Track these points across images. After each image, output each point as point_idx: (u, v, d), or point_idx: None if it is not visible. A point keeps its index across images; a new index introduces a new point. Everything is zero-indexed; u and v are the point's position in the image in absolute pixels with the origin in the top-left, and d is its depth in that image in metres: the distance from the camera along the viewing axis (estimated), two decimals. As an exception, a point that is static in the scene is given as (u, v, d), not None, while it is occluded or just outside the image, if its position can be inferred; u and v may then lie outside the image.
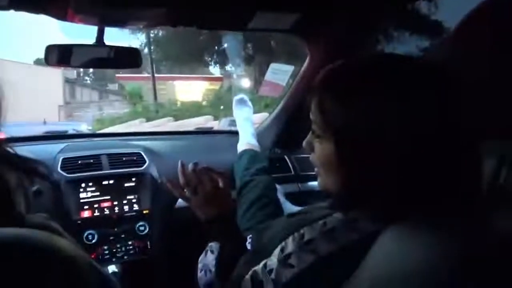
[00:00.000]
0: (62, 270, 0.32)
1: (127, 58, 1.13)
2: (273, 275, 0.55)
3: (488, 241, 0.43)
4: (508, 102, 0.56)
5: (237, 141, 1.43)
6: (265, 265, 0.57)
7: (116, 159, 1.31)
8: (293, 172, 1.58)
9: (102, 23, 1.02)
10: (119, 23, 1.01)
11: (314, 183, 1.56)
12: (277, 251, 0.57)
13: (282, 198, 1.24)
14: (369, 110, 0.51)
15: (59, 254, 0.33)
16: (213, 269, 0.75)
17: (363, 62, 0.57)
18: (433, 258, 0.44)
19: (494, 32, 0.54)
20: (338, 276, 0.51)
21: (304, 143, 0.64)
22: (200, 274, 0.78)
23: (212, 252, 0.77)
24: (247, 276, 0.59)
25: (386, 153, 0.50)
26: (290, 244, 0.56)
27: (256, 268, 0.59)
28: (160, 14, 0.93)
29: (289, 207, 1.24)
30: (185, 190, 0.85)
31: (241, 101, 1.51)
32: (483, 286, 0.40)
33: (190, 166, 0.86)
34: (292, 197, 1.45)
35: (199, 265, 0.78)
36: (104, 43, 1.09)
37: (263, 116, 1.79)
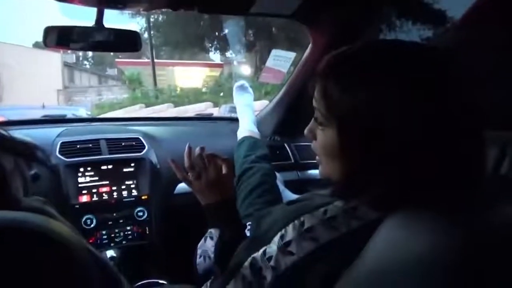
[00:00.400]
0: (58, 254, 0.32)
1: (127, 42, 1.11)
2: (272, 262, 0.55)
3: (491, 229, 0.42)
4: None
5: (237, 128, 1.42)
6: (264, 252, 0.57)
7: (115, 144, 1.30)
8: (292, 160, 1.58)
9: (101, 4, 1.00)
10: (118, 5, 0.99)
11: (313, 172, 1.55)
12: (276, 238, 0.57)
13: (281, 186, 1.24)
14: (373, 97, 0.50)
15: (55, 238, 0.32)
16: (212, 255, 0.75)
17: (367, 48, 0.56)
18: (435, 246, 0.44)
19: (499, 21, 0.52)
20: (338, 263, 0.51)
21: (306, 131, 0.63)
22: (199, 260, 0.78)
23: (211, 238, 0.77)
24: (246, 263, 0.59)
25: (389, 140, 0.50)
26: (290, 232, 0.56)
27: (255, 255, 0.58)
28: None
29: (288, 195, 1.24)
30: (188, 174, 0.84)
31: (242, 88, 1.49)
32: (486, 274, 0.40)
33: (197, 150, 0.85)
34: (291, 185, 1.45)
35: (198, 251, 0.78)
36: (103, 25, 1.07)
37: (263, 103, 1.77)
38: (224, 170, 0.85)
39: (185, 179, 0.84)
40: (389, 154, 0.50)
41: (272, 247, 0.56)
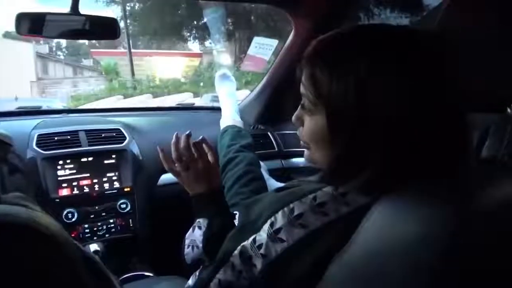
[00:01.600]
0: (47, 248, 0.30)
1: (104, 28, 1.07)
2: (262, 250, 0.55)
3: (476, 215, 0.43)
4: (495, 75, 0.56)
5: (219, 117, 1.41)
6: (254, 240, 0.57)
7: (94, 136, 1.27)
8: (276, 149, 1.58)
9: (77, -10, 0.96)
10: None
11: (297, 160, 1.56)
12: (266, 226, 0.56)
13: (266, 175, 1.23)
14: (360, 81, 0.50)
15: (44, 231, 0.31)
16: (200, 245, 0.74)
17: (354, 32, 0.56)
18: (423, 231, 0.44)
19: (483, 7, 0.53)
20: (328, 249, 0.51)
21: (293, 118, 0.63)
22: (187, 250, 0.77)
23: (199, 228, 0.77)
24: (236, 252, 0.59)
25: (377, 125, 0.50)
26: (279, 219, 0.55)
27: (245, 243, 0.58)
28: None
29: (273, 184, 1.24)
30: (176, 164, 0.83)
31: (224, 76, 1.47)
32: (472, 259, 0.41)
33: (183, 137, 0.84)
34: (275, 174, 1.45)
35: (186, 241, 0.78)
36: (79, 12, 1.03)
37: (244, 93, 1.75)
38: (210, 158, 0.84)
39: (172, 170, 0.83)
40: (377, 139, 0.50)
41: (262, 235, 0.56)
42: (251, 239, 0.57)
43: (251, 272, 0.56)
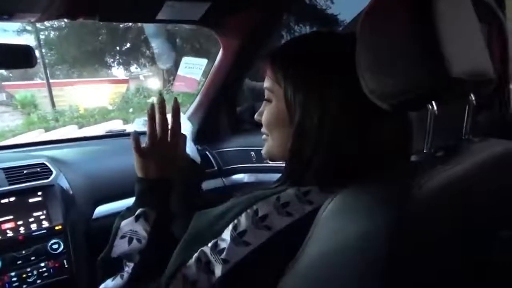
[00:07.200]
0: None
1: (18, 57, 1.00)
2: (224, 255, 0.53)
3: (414, 202, 0.46)
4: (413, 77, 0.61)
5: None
6: (215, 245, 0.54)
7: (15, 173, 1.15)
8: (216, 167, 1.56)
9: (-18, 16, 0.88)
10: (4, 15, 0.87)
11: (237, 176, 1.55)
12: (229, 229, 0.54)
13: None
14: (307, 79, 0.58)
15: None
16: (142, 239, 0.67)
17: (305, 39, 0.66)
18: (367, 228, 0.46)
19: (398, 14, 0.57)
20: (294, 249, 0.51)
21: (256, 115, 0.68)
22: (120, 240, 0.67)
23: (146, 219, 0.68)
24: (191, 261, 0.55)
25: (322, 121, 0.56)
26: (243, 221, 0.54)
27: (204, 248, 0.55)
28: (58, 4, 0.82)
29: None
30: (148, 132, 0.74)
31: None
32: (416, 246, 0.44)
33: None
34: (218, 192, 1.44)
35: (122, 230, 0.68)
36: (-14, 40, 0.95)
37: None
38: (178, 147, 0.77)
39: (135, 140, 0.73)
40: (320, 135, 0.56)
41: (225, 239, 0.54)
42: (211, 244, 0.55)
43: (208, 280, 0.54)
